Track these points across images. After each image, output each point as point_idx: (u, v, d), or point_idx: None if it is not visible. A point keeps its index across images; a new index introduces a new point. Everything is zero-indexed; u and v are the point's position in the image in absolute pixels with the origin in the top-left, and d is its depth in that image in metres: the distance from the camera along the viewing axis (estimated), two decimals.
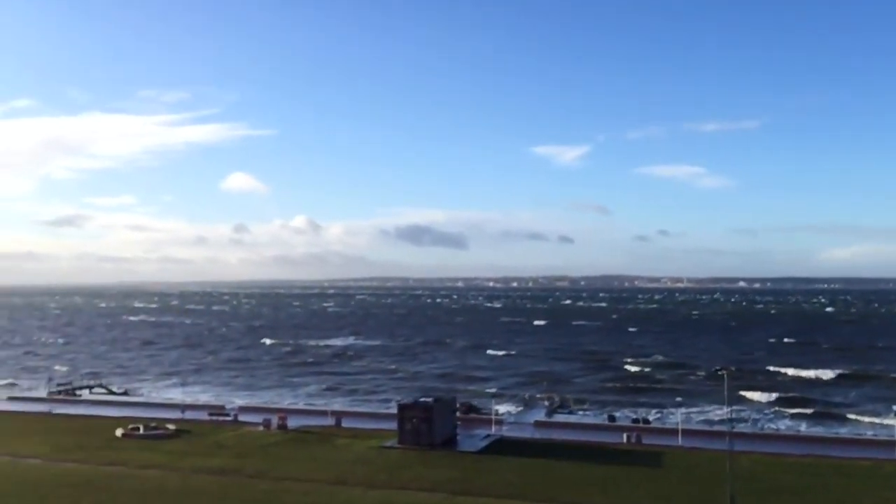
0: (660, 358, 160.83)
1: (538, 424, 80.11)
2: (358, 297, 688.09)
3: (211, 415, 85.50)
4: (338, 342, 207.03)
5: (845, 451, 66.73)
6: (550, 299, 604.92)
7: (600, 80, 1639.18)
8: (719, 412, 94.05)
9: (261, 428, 76.96)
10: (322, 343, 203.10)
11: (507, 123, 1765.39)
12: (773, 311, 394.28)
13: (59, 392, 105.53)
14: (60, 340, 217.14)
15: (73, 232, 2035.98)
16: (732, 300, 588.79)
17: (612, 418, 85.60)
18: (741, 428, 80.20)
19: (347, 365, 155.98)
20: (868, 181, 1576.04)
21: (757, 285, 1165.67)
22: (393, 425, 71.38)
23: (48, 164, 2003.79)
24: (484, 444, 69.41)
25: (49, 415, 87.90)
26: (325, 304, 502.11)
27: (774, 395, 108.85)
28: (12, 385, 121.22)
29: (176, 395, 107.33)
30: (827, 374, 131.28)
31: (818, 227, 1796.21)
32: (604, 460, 63.20)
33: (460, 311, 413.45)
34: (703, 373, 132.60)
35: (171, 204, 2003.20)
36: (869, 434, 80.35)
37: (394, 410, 74.83)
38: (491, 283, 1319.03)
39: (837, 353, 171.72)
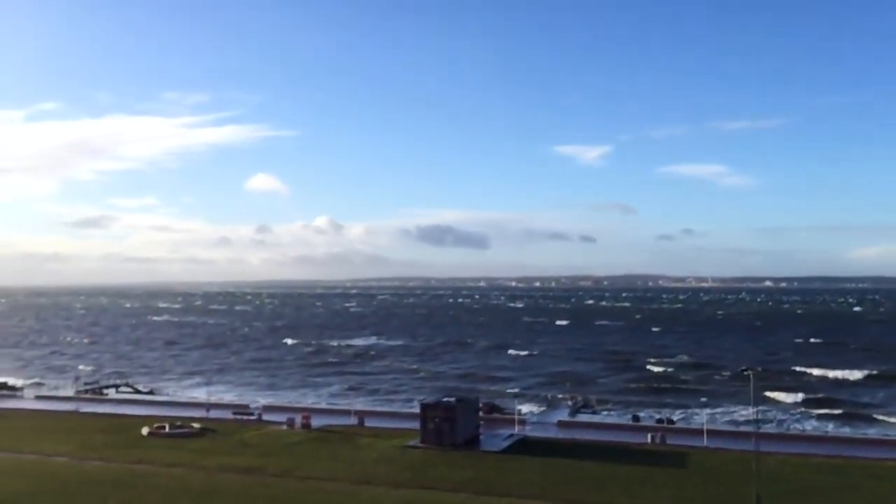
0: (684, 358, 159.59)
1: (561, 424, 79.77)
2: (380, 297, 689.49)
3: (235, 414, 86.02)
4: (360, 342, 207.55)
5: (873, 452, 65.83)
6: (573, 299, 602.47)
7: (622, 80, 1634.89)
8: (745, 413, 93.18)
9: (284, 427, 77.28)
10: (344, 343, 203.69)
11: (529, 123, 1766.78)
12: (799, 311, 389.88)
13: (87, 391, 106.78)
14: (86, 340, 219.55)
15: (98, 233, 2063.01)
16: (758, 300, 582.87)
17: (636, 418, 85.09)
18: (767, 428, 79.35)
19: (369, 365, 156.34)
20: None
21: (783, 284, 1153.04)
22: (415, 425, 71.37)
23: (73, 165, 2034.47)
24: (507, 443, 69.21)
25: (76, 413, 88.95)
26: (347, 304, 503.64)
27: (801, 396, 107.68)
28: (39, 384, 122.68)
29: (200, 394, 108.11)
30: (854, 375, 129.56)
31: (845, 226, 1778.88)
32: (628, 460, 62.77)
33: (482, 311, 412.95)
34: (728, 373, 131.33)
35: (194, 205, 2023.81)
36: None
37: (416, 410, 74.83)
38: (513, 283, 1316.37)
39: (865, 353, 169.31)
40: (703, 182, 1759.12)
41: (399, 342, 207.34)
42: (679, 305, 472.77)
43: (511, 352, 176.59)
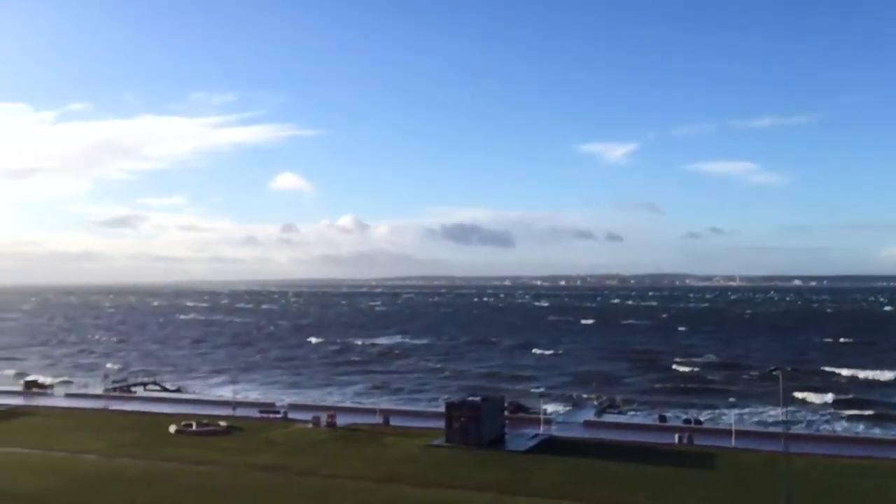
0: (712, 358, 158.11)
1: (587, 424, 79.25)
2: (405, 295, 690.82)
3: (261, 412, 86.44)
4: (384, 341, 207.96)
5: None
6: (599, 298, 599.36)
7: (648, 77, 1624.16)
8: (773, 413, 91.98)
9: (310, 425, 77.54)
10: (369, 342, 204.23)
11: (553, 121, 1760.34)
12: (829, 310, 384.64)
13: (115, 389, 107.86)
14: (114, 339, 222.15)
15: (127, 232, 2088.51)
16: (787, 299, 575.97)
17: (662, 419, 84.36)
18: (796, 429, 78.40)
19: (394, 363, 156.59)
20: None
21: (813, 283, 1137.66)
22: (440, 424, 71.25)
23: (103, 165, 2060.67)
24: (532, 443, 68.91)
25: (105, 411, 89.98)
26: (372, 303, 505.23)
27: (831, 397, 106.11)
28: (67, 382, 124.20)
29: (226, 392, 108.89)
30: (885, 375, 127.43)
31: (876, 224, 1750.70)
32: (655, 461, 62.23)
33: (507, 309, 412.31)
34: (756, 373, 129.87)
35: (221, 204, 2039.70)
36: None
37: (441, 409, 74.73)
38: (538, 282, 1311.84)
39: None
40: (732, 180, 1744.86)
41: (424, 341, 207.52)
42: (706, 304, 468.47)
43: (536, 351, 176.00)
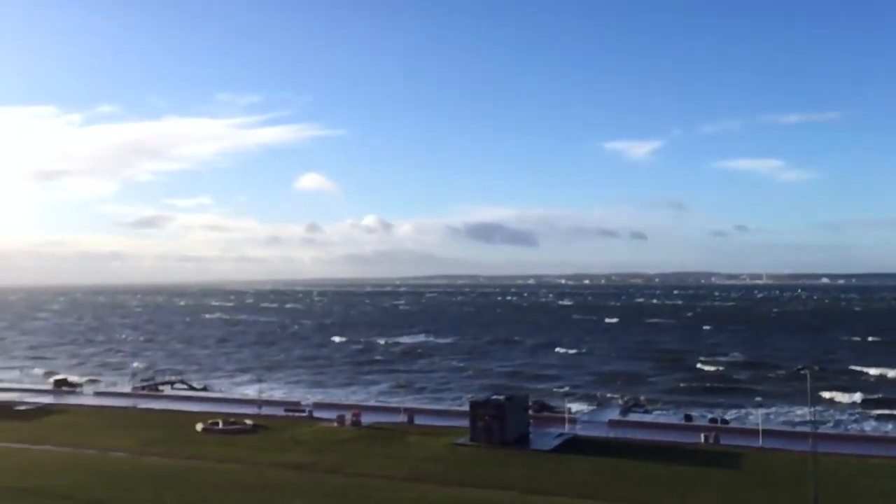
0: (738, 357, 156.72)
1: (612, 423, 78.85)
2: (428, 294, 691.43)
3: (287, 411, 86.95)
4: (408, 340, 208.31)
5: None
6: (623, 297, 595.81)
7: (672, 73, 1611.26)
8: (801, 412, 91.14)
9: (335, 424, 77.88)
10: (392, 341, 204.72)
11: (577, 119, 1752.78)
12: (857, 309, 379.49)
13: (143, 387, 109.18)
14: (141, 338, 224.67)
15: (155, 232, 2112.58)
16: (815, 297, 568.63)
17: (688, 418, 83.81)
18: (825, 429, 77.54)
19: (417, 363, 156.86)
20: None
21: (841, 282, 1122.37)
22: (465, 423, 71.31)
23: (131, 167, 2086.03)
24: (557, 442, 68.73)
25: (133, 409, 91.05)
26: (395, 302, 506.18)
27: (859, 396, 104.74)
28: (94, 381, 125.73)
29: (251, 391, 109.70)
30: None
31: None
32: (680, 461, 61.83)
33: (530, 308, 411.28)
34: (783, 372, 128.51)
35: (246, 204, 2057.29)
36: None
37: (466, 408, 74.77)
38: (562, 281, 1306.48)
39: None
40: (759, 177, 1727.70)
41: (447, 340, 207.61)
42: (732, 303, 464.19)
43: (559, 350, 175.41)
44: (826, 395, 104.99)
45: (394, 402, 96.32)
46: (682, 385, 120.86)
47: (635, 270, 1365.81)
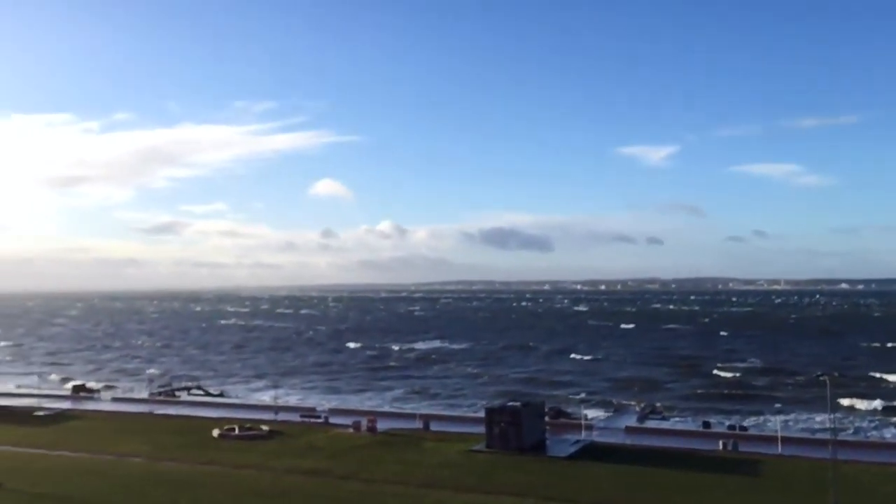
0: (756, 363, 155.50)
1: (629, 430, 78.38)
2: (443, 300, 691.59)
3: (302, 417, 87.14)
4: (423, 346, 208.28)
5: None
6: (639, 302, 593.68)
7: (688, 78, 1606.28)
8: (820, 419, 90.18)
9: (350, 430, 77.94)
10: (407, 346, 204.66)
11: (593, 124, 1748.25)
12: (877, 314, 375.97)
13: (160, 393, 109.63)
14: (158, 344, 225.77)
15: (171, 238, 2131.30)
16: (833, 302, 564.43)
17: (706, 425, 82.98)
18: (844, 436, 76.65)
19: (432, 368, 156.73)
20: None
21: (860, 287, 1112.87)
22: (481, 429, 71.13)
23: (147, 173, 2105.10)
24: (574, 449, 68.31)
25: (150, 415, 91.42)
26: (410, 308, 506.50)
27: (879, 403, 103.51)
28: (111, 387, 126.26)
29: (266, 397, 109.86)
30: None
31: None
32: (698, 468, 61.24)
33: (545, 314, 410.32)
34: (802, 378, 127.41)
35: (262, 210, 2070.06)
36: None
37: (481, 414, 74.49)
38: (577, 286, 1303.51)
39: None
40: (776, 182, 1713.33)
41: (462, 346, 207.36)
42: (749, 309, 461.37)
43: (575, 356, 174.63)
44: (845, 401, 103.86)
45: (409, 408, 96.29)
46: (699, 391, 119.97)
47: (651, 276, 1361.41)
